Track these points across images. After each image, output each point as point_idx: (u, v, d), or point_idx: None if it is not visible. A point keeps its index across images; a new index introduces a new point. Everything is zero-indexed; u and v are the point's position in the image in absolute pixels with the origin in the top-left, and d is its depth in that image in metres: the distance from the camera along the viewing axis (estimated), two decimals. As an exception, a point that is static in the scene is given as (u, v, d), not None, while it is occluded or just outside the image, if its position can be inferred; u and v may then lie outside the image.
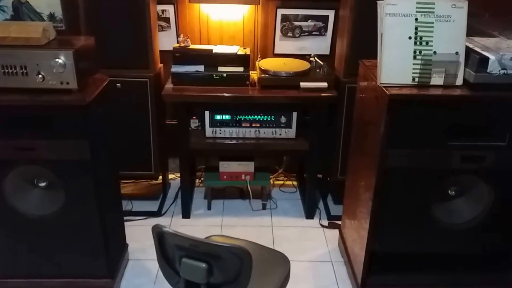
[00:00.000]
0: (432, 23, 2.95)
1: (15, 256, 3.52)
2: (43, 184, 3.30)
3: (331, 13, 4.57)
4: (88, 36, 3.52)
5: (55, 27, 3.32)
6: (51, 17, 4.17)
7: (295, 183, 5.38)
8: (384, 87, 3.01)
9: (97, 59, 3.42)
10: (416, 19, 2.95)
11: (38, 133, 3.10)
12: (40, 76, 2.98)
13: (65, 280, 3.60)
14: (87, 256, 3.53)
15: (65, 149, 3.14)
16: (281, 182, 5.39)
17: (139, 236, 4.30)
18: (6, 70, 2.96)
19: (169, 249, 2.47)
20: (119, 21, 4.05)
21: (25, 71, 2.98)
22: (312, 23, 4.63)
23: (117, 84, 4.14)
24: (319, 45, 4.72)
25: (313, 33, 4.68)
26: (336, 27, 4.58)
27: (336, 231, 4.39)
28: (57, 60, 2.95)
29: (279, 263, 2.95)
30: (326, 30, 4.65)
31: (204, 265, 2.35)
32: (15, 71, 2.97)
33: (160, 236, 2.43)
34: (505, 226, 3.44)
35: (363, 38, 3.92)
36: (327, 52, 4.74)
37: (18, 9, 4.14)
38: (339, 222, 4.37)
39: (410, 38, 2.97)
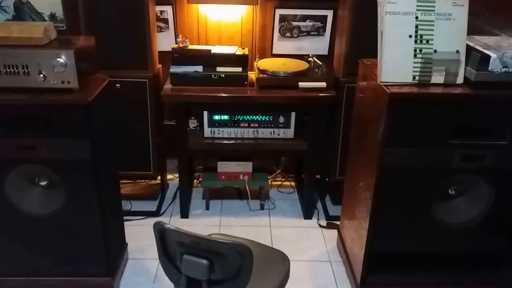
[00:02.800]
0: (433, 21, 2.96)
1: (15, 254, 3.52)
2: (44, 183, 3.31)
3: (329, 13, 4.58)
4: (89, 36, 3.53)
5: (56, 27, 3.33)
6: (52, 17, 4.18)
7: (293, 183, 5.38)
8: (384, 85, 3.02)
9: (97, 59, 3.43)
10: (417, 18, 2.96)
11: (39, 132, 3.11)
12: (41, 75, 2.99)
13: (65, 278, 3.60)
14: (87, 255, 3.53)
15: (66, 148, 3.15)
16: (279, 183, 5.39)
17: (138, 235, 4.31)
18: (8, 70, 2.98)
19: (170, 246, 2.48)
20: (119, 21, 4.05)
21: (26, 70, 2.99)
22: (311, 23, 4.64)
23: (116, 85, 4.14)
24: (318, 45, 4.73)
25: (312, 33, 4.68)
26: (334, 27, 4.59)
27: (335, 231, 4.40)
28: (58, 59, 2.97)
29: (279, 261, 2.96)
30: (324, 30, 4.66)
31: (205, 262, 2.35)
32: (16, 70, 2.98)
33: (161, 233, 2.44)
34: (505, 225, 3.45)
35: (362, 37, 3.93)
36: (326, 52, 4.75)
37: (20, 9, 4.15)
38: (338, 223, 4.37)
39: (410, 36, 2.98)
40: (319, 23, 4.64)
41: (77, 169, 3.22)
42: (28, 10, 4.15)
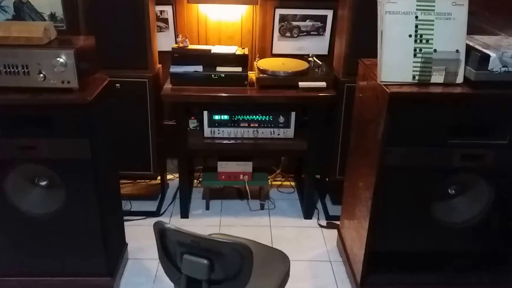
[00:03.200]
0: (432, 21, 2.96)
1: (15, 254, 3.52)
2: (43, 183, 3.31)
3: (329, 13, 4.58)
4: (88, 36, 3.52)
5: (56, 27, 3.33)
6: (52, 17, 4.18)
7: (293, 183, 5.39)
8: (384, 85, 3.02)
9: (97, 58, 3.43)
10: (416, 17, 2.96)
11: (39, 132, 3.11)
12: (41, 75, 2.99)
13: (65, 278, 3.60)
14: (87, 255, 3.53)
15: (66, 148, 3.15)
16: (279, 183, 5.40)
17: (138, 235, 4.31)
18: (8, 70, 2.98)
19: (170, 245, 2.48)
20: (118, 21, 4.06)
21: (26, 70, 2.99)
22: (311, 23, 4.64)
23: (116, 84, 4.13)
24: (317, 45, 4.73)
25: (312, 33, 4.68)
26: (334, 27, 4.59)
27: (335, 231, 4.40)
28: (58, 59, 2.97)
29: (279, 261, 2.97)
30: (324, 30, 4.66)
31: (205, 262, 2.35)
32: (16, 70, 2.98)
33: (161, 232, 2.44)
34: (505, 225, 3.45)
35: (362, 37, 3.94)
36: (325, 52, 4.75)
37: (20, 9, 4.15)
38: (337, 223, 4.38)
39: (410, 36, 2.98)
40: (319, 23, 4.64)
41: (77, 169, 3.21)
42: (28, 10, 4.15)
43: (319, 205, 4.94)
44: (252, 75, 4.38)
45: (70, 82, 3.03)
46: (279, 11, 4.59)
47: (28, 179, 3.29)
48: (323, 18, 4.62)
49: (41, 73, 2.99)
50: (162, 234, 2.45)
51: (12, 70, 2.97)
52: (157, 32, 4.51)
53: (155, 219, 4.32)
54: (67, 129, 3.10)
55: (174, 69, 4.22)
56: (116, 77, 4.06)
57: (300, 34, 4.69)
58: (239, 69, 4.25)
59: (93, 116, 3.15)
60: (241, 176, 4.71)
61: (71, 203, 3.32)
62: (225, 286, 2.45)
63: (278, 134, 4.42)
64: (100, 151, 3.33)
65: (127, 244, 4.12)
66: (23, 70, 2.98)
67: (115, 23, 4.05)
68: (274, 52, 4.79)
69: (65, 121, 3.08)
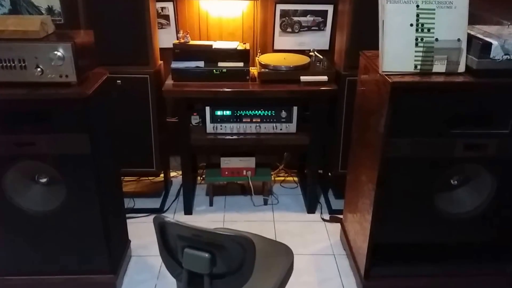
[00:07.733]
0: (434, 9, 2.94)
1: (16, 253, 3.50)
2: (44, 180, 3.29)
3: (330, 8, 4.56)
4: (87, 30, 3.50)
5: (53, 21, 3.30)
6: (49, 10, 4.17)
7: (295, 179, 5.39)
8: (386, 75, 3.00)
9: (96, 53, 3.40)
10: (417, 6, 2.93)
11: (38, 127, 3.08)
12: (38, 69, 2.96)
13: (67, 276, 3.58)
14: (90, 252, 3.51)
15: (65, 143, 3.12)
16: (282, 178, 5.40)
17: (141, 232, 4.30)
18: (4, 64, 2.95)
19: (171, 240, 2.46)
20: (119, 17, 4.04)
21: (23, 64, 2.96)
22: (311, 18, 4.62)
23: (118, 81, 4.13)
24: (318, 40, 4.72)
25: (312, 28, 4.67)
26: (335, 21, 4.58)
27: (338, 225, 4.40)
28: (55, 52, 2.94)
29: (283, 255, 2.94)
30: (325, 25, 4.64)
31: (207, 255, 2.33)
32: (13, 64, 2.95)
33: (162, 227, 2.42)
34: (508, 215, 3.43)
35: (363, 31, 3.94)
36: (326, 47, 4.74)
37: (16, 3, 4.14)
38: (341, 216, 4.37)
39: (411, 25, 2.95)
40: (320, 18, 4.63)
41: (77, 164, 3.19)
42: (25, 4, 4.13)
43: (322, 200, 4.94)
44: (254, 70, 4.38)
45: (68, 76, 3.00)
46: (280, 7, 4.58)
47: (28, 176, 3.27)
48: (323, 13, 4.60)
49: (39, 67, 2.96)
50: (162, 228, 2.43)
51: (9, 64, 2.94)
52: (158, 29, 4.50)
53: (158, 216, 4.32)
54: (66, 124, 3.08)
55: (176, 64, 4.22)
56: (117, 73, 4.07)
57: (301, 29, 4.68)
58: (241, 64, 4.25)
59: (92, 111, 3.13)
60: (244, 172, 4.70)
61: (72, 200, 3.30)
62: (228, 280, 2.43)
63: (281, 129, 4.41)
64: (100, 146, 3.31)
65: (130, 241, 4.10)
66: (20, 64, 2.95)
67: (115, 19, 4.04)
68: (275, 47, 4.78)
69: (64, 116, 3.06)
